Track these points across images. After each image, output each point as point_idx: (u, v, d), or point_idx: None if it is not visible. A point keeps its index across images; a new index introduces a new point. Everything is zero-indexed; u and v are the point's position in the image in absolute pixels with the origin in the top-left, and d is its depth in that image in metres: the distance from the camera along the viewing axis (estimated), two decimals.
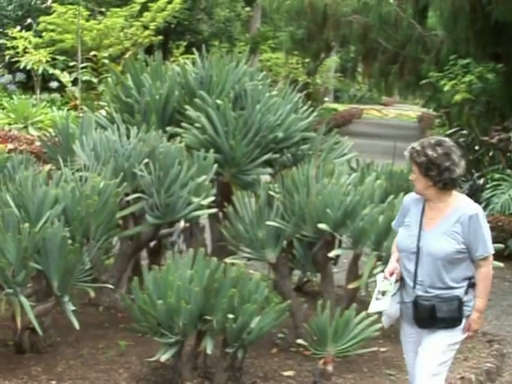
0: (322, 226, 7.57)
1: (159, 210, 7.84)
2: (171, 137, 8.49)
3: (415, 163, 5.73)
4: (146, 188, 7.86)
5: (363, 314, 7.14)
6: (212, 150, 8.17)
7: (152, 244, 8.91)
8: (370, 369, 7.58)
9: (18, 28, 26.03)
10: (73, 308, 7.01)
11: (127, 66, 9.66)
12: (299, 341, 7.35)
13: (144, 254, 9.08)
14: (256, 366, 7.33)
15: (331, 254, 7.88)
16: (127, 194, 7.90)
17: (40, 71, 25.06)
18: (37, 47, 25.12)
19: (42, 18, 26.23)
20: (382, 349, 7.96)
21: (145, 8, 27.25)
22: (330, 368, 7.04)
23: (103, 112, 9.51)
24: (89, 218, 7.37)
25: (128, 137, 8.27)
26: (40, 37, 25.63)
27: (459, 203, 5.78)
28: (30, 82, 27.30)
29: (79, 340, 7.61)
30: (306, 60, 40.59)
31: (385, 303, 5.73)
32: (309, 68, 42.40)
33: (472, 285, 5.74)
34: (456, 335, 5.74)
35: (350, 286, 7.90)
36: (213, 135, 8.40)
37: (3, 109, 21.76)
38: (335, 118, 38.21)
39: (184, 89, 8.96)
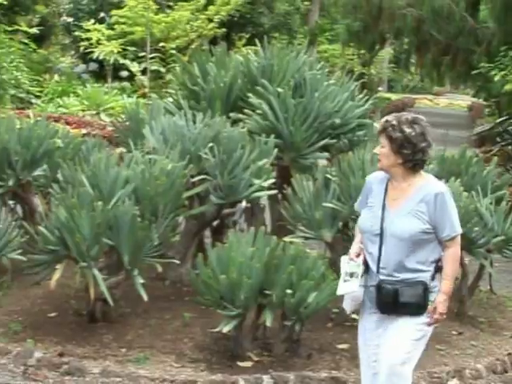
0: None
1: (222, 190, 7.89)
2: (234, 122, 8.55)
3: (388, 138, 5.19)
4: (210, 170, 7.91)
5: None
6: (272, 136, 8.20)
7: (215, 223, 8.96)
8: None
9: (92, 21, 26.32)
10: (142, 281, 7.11)
11: (193, 56, 9.74)
12: (353, 315, 7.37)
13: (207, 232, 9.13)
14: (312, 338, 7.35)
15: None
16: (193, 176, 7.95)
17: (112, 61, 25.35)
18: (109, 39, 25.36)
19: (114, 12, 26.44)
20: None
21: (210, 2, 27.32)
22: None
23: (170, 99, 9.59)
24: (157, 198, 7.45)
25: (194, 122, 8.33)
26: (112, 29, 25.84)
27: (423, 183, 5.27)
28: (102, 72, 27.57)
29: (147, 311, 7.69)
30: (362, 51, 40.27)
31: (354, 284, 5.29)
32: (364, 59, 42.06)
33: (439, 269, 5.23)
34: (421, 321, 5.19)
35: None
36: (273, 121, 8.43)
37: (77, 96, 22.01)
38: (389, 106, 37.87)
39: (247, 77, 9.00)
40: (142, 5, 25.51)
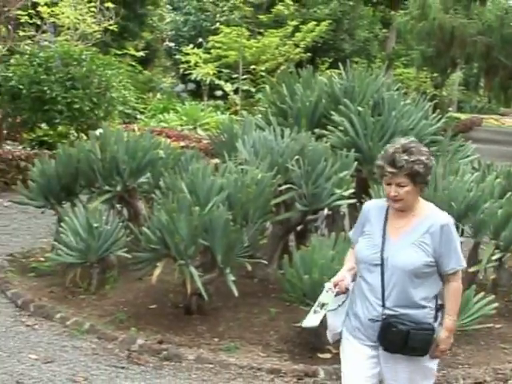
0: None
1: (306, 199, 7.89)
2: (318, 138, 8.55)
3: (411, 175, 4.41)
4: (296, 180, 7.92)
5: (481, 294, 7.08)
6: (353, 150, 8.18)
7: (299, 228, 8.94)
8: (486, 342, 7.43)
9: (191, 46, 26.60)
10: (233, 279, 7.15)
11: (281, 77, 9.76)
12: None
13: (292, 236, 9.13)
14: None
15: None
16: (280, 185, 7.96)
17: (207, 82, 25.59)
18: (205, 62, 25.61)
19: (210, 38, 26.74)
20: (497, 325, 7.77)
21: (296, 29, 27.43)
22: None
23: (260, 116, 9.64)
24: (248, 204, 7.49)
25: (282, 137, 8.36)
26: (208, 53, 26.09)
27: (428, 212, 4.60)
28: (198, 91, 27.87)
29: (237, 306, 7.72)
30: (434, 75, 39.98)
31: (317, 318, 4.63)
32: (436, 82, 41.75)
33: (440, 307, 4.56)
34: (423, 360, 4.52)
35: (471, 270, 7.79)
36: (354, 137, 8.41)
37: (177, 112, 22.26)
38: (458, 125, 37.50)
39: (330, 97, 9.00)
40: (236, 32, 25.77)
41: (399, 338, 4.39)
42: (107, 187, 8.80)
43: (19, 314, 7.82)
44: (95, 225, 8.16)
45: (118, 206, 9.24)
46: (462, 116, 49.69)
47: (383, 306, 4.48)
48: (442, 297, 4.55)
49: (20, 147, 16.58)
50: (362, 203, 8.07)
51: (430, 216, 4.56)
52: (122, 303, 7.89)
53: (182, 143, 16.62)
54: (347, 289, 4.67)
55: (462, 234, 7.92)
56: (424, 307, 4.47)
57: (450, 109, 50.30)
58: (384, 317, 4.46)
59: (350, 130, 8.41)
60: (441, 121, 9.13)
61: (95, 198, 8.86)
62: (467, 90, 51.64)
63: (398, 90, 9.28)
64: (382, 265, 4.51)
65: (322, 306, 4.64)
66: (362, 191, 8.30)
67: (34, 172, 9.44)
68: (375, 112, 8.65)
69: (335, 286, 4.62)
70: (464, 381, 6.55)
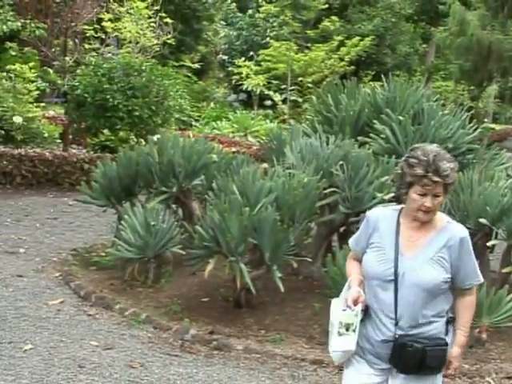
0: (482, 220, 7.43)
1: (349, 202, 7.85)
2: (361, 144, 8.51)
3: (447, 185, 3.85)
4: (339, 184, 7.89)
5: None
6: (393, 156, 8.11)
7: (342, 229, 8.91)
8: None
9: (243, 59, 26.65)
10: (279, 275, 7.14)
11: (327, 88, 9.74)
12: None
13: (335, 236, 9.10)
14: None
15: (489, 244, 7.69)
16: (325, 188, 7.93)
17: (258, 92, 25.59)
18: (256, 73, 25.65)
19: (261, 51, 26.78)
20: None
21: (341, 44, 27.38)
22: (484, 336, 6.92)
23: (307, 124, 9.62)
24: (295, 206, 7.47)
25: (327, 143, 8.33)
26: (259, 65, 26.14)
27: (444, 224, 3.99)
28: (249, 101, 27.95)
29: (283, 301, 7.70)
30: (471, 87, 39.59)
31: (351, 340, 3.89)
32: (473, 94, 41.31)
33: (451, 321, 4.01)
34: (434, 378, 4.02)
35: (504, 271, 7.70)
36: (395, 144, 8.35)
37: (229, 120, 22.34)
38: (493, 135, 36.96)
39: (373, 107, 8.95)
40: (285, 46, 25.82)
41: (416, 357, 3.86)
42: (164, 188, 8.85)
43: (82, 304, 7.90)
44: (152, 223, 8.22)
45: (173, 206, 9.28)
46: (497, 127, 49.08)
47: (396, 325, 3.91)
48: (452, 310, 4.07)
49: (84, 151, 16.75)
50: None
51: (447, 228, 3.99)
52: (177, 296, 7.92)
53: (234, 149, 16.65)
54: (366, 306, 3.98)
55: (496, 237, 7.84)
56: (437, 322, 3.93)
57: (486, 120, 49.64)
58: (397, 336, 3.89)
59: (391, 137, 8.35)
60: (477, 130, 9.03)
61: (153, 199, 8.91)
62: (502, 103, 50.88)
63: (436, 101, 9.20)
64: (395, 281, 3.92)
65: (347, 327, 3.89)
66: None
67: (97, 174, 9.54)
68: (415, 121, 8.58)
69: (355, 303, 3.92)
70: (496, 375, 6.46)
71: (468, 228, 7.42)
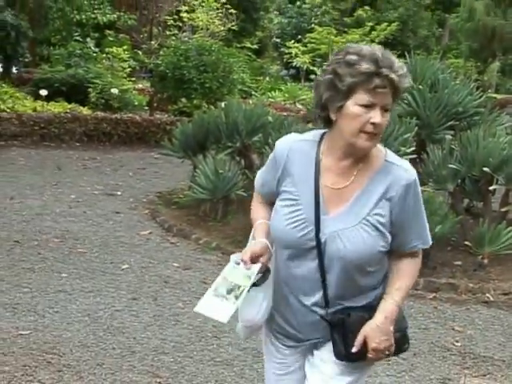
0: (485, 169, 7.28)
1: None
2: None
3: (399, 92, 2.25)
4: None
5: (509, 228, 6.90)
6: (414, 118, 7.97)
7: None
8: None
9: (292, 41, 26.32)
10: None
11: None
12: (466, 242, 7.19)
13: None
14: (437, 257, 7.15)
15: (491, 188, 7.56)
16: None
17: (304, 68, 25.26)
18: (303, 53, 25.30)
19: (307, 35, 26.36)
20: None
21: (372, 29, 26.94)
22: (485, 261, 6.88)
23: None
24: None
25: None
26: (305, 46, 25.76)
27: (383, 163, 2.31)
28: (298, 75, 27.67)
29: None
30: (478, 64, 38.66)
31: (227, 309, 2.25)
32: (479, 69, 40.35)
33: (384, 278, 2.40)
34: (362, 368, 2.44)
35: (503, 210, 7.58)
36: (415, 108, 8.17)
37: (281, 91, 22.18)
38: (495, 103, 36.15)
39: None
40: (326, 30, 25.41)
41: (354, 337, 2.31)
42: (230, 143, 8.85)
43: (165, 235, 8.01)
44: (220, 171, 8.26)
45: (237, 157, 9.28)
46: (499, 96, 47.96)
47: (326, 306, 2.34)
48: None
49: (166, 115, 16.80)
50: (421, 158, 7.98)
51: (387, 170, 2.29)
52: (240, 229, 7.95)
53: (285, 113, 16.55)
54: (267, 269, 2.40)
55: (496, 183, 7.71)
56: (376, 289, 2.39)
57: (490, 90, 48.58)
58: (329, 317, 2.35)
59: (412, 102, 8.18)
60: (482, 98, 8.81)
61: (221, 152, 8.92)
62: (503, 76, 49.70)
63: (450, 73, 8.99)
64: (319, 251, 2.28)
65: (230, 290, 2.30)
66: (421, 149, 8.12)
67: (177, 132, 9.60)
68: (432, 89, 8.38)
69: (253, 260, 2.34)
70: (494, 291, 6.42)
71: (474, 175, 7.44)
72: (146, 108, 17.10)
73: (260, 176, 2.56)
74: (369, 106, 2.19)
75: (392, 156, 2.37)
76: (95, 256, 6.90)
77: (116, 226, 8.19)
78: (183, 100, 16.66)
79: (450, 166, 7.49)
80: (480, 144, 7.46)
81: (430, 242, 2.47)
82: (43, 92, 14.95)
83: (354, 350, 2.30)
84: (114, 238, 7.62)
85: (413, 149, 7.78)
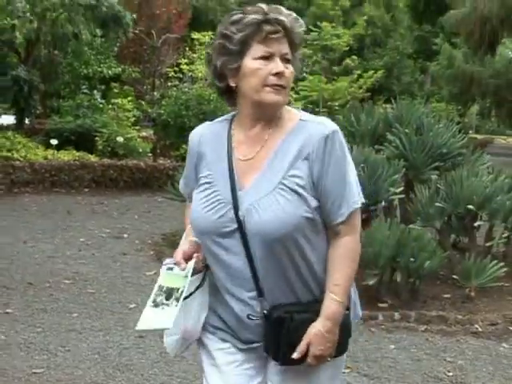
0: (470, 206, 7.31)
1: (369, 194, 7.79)
2: (377, 151, 8.42)
3: (294, 37, 1.97)
4: (361, 181, 7.81)
5: (494, 261, 6.91)
6: (402, 160, 8.03)
7: (364, 215, 8.81)
8: (498, 296, 7.18)
9: None
10: None
11: (350, 110, 9.68)
12: (454, 276, 7.18)
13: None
14: (427, 290, 7.14)
15: (475, 224, 7.58)
16: None
17: None
18: (296, 100, 25.50)
19: (299, 83, 26.70)
20: (506, 284, 7.52)
21: (360, 76, 27.32)
22: (473, 294, 6.85)
23: None
24: None
25: (351, 151, 8.25)
26: (298, 94, 26.03)
27: (297, 122, 2.02)
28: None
29: None
30: (459, 107, 39.07)
31: (170, 313, 2.01)
32: (460, 112, 40.76)
33: None
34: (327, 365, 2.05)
35: (487, 244, 7.61)
36: (403, 151, 8.23)
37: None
38: (476, 143, 36.42)
39: (385, 122, 8.85)
40: (317, 79, 25.73)
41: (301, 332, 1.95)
42: None
43: None
44: None
45: None
46: (479, 136, 48.30)
47: (259, 296, 1.97)
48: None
49: (169, 161, 16.89)
50: (409, 198, 8.01)
51: (300, 128, 1.99)
52: None
53: None
54: (205, 265, 2.13)
55: (480, 219, 7.72)
56: (318, 279, 2.03)
57: (471, 131, 48.96)
58: (266, 313, 1.97)
59: (399, 145, 8.25)
60: (464, 139, 8.91)
61: None
62: (482, 118, 50.24)
63: (433, 117, 9.10)
64: (241, 232, 1.93)
65: (169, 295, 2.06)
66: (409, 189, 8.17)
67: (179, 177, 9.60)
68: (417, 132, 8.45)
69: (187, 258, 2.10)
70: (482, 322, 6.36)
71: (459, 213, 7.47)
72: (150, 154, 17.19)
73: (182, 178, 2.28)
74: (267, 58, 1.93)
75: (308, 115, 2.03)
76: (104, 296, 6.86)
77: (123, 267, 8.16)
78: (184, 146, 16.75)
79: (437, 204, 7.52)
80: (464, 183, 7.50)
81: (361, 201, 2.08)
82: (53, 141, 15.05)
83: (295, 355, 1.94)
84: (122, 279, 7.59)
85: (401, 189, 7.84)
